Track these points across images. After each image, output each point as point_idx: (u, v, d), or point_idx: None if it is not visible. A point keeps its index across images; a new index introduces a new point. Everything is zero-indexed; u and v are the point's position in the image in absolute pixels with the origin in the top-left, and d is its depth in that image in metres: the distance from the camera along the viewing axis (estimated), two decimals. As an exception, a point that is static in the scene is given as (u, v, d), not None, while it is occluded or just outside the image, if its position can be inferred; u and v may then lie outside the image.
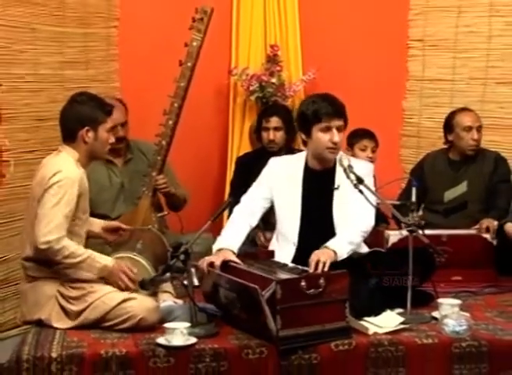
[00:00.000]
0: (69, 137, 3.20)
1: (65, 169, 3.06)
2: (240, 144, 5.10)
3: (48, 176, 3.05)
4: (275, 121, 4.46)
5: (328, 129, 3.37)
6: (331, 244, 3.21)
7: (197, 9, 3.98)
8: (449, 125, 4.42)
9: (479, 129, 4.35)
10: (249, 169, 4.09)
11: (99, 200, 4.13)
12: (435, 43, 5.05)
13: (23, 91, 4.17)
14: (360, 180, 3.13)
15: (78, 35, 4.50)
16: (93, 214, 3.99)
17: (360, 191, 3.10)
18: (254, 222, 3.50)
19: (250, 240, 4.21)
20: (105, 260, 3.12)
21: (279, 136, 4.46)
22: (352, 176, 3.15)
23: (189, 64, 3.99)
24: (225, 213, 4.14)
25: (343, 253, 3.22)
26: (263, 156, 4.17)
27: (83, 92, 3.36)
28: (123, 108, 4.18)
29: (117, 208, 4.14)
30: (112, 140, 3.29)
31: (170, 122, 3.98)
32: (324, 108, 3.37)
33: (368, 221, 3.40)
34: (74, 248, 3.04)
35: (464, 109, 4.44)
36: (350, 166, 3.20)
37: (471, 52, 4.95)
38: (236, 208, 3.53)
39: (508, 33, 4.83)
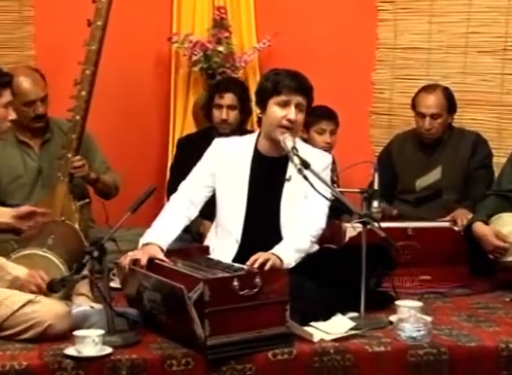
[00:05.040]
0: None
1: None
2: (183, 123, 5.14)
3: None
4: (229, 98, 4.47)
5: (286, 104, 3.42)
6: (277, 251, 3.26)
7: None
8: (412, 104, 4.51)
9: (435, 116, 4.39)
10: (191, 153, 4.10)
11: (12, 189, 4.17)
12: (408, 5, 5.13)
13: None
14: (305, 165, 3.17)
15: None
16: (4, 205, 4.04)
17: (305, 177, 3.14)
18: (194, 214, 3.54)
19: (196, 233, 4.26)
20: (18, 271, 3.12)
21: (232, 115, 4.48)
22: (296, 160, 3.19)
23: (98, 23, 4.04)
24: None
25: (290, 261, 3.27)
26: (208, 138, 4.17)
27: None
28: (42, 81, 4.19)
29: (34, 197, 4.17)
30: (13, 116, 3.29)
31: (83, 93, 4.03)
32: (286, 80, 3.43)
33: (319, 223, 3.47)
34: None
35: (426, 89, 4.48)
36: (294, 148, 3.25)
37: (450, 16, 5.02)
38: (173, 197, 3.57)
39: (491, -6, 4.93)
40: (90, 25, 4.03)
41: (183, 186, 3.57)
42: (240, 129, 4.51)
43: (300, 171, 3.16)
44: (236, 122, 4.49)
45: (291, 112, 3.41)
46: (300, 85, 3.45)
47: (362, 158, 4.36)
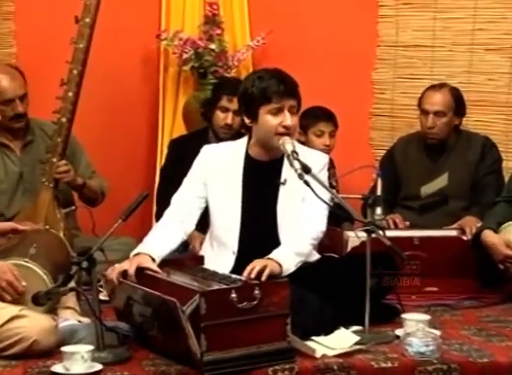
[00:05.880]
0: None
1: None
2: (172, 126, 5.14)
3: None
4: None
5: (279, 111, 3.41)
6: (275, 255, 3.24)
7: None
8: (419, 103, 4.50)
9: (439, 114, 4.37)
10: (184, 155, 4.10)
11: (-8, 195, 4.14)
12: (410, 0, 5.13)
13: None
14: (306, 169, 3.16)
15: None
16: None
17: (306, 183, 3.13)
18: (190, 227, 3.52)
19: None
20: None
21: (237, 121, 4.43)
22: (296, 164, 3.18)
23: (87, 20, 4.01)
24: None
25: (290, 266, 3.26)
26: (202, 140, 4.18)
27: None
28: (21, 79, 4.17)
29: (14, 204, 4.15)
30: None
31: (69, 93, 4.01)
32: (274, 85, 3.41)
33: (319, 226, 3.46)
34: None
35: (433, 87, 4.47)
36: (294, 152, 3.23)
37: (455, 12, 5.04)
38: (167, 212, 3.54)
39: (499, -11, 4.95)
40: (77, 22, 4.00)
41: (176, 199, 3.55)
42: (238, 133, 4.49)
43: (300, 176, 3.15)
44: (238, 127, 4.47)
45: (286, 119, 3.40)
46: (289, 88, 3.43)
47: (362, 161, 4.34)
